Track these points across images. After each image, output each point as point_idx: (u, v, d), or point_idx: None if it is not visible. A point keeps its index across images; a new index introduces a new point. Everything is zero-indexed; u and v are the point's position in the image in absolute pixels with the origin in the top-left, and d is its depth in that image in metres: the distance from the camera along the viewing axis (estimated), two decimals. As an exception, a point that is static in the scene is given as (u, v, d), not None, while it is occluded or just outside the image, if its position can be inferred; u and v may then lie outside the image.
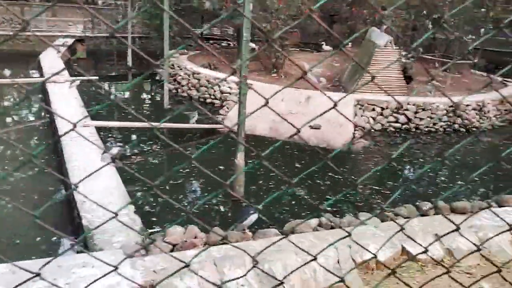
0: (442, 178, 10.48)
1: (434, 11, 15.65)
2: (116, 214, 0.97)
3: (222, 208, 8.17)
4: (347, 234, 1.30)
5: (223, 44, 22.76)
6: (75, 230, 6.90)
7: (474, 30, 18.64)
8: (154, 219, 7.41)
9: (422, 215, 6.11)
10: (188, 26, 1.07)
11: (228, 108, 13.61)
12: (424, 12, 15.97)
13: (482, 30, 24.25)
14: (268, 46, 15.53)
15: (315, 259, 1.23)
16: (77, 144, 8.88)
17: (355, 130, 12.41)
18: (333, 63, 17.98)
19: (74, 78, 14.60)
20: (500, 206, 6.32)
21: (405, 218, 5.93)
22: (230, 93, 14.33)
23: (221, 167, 10.05)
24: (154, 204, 8.01)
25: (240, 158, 8.08)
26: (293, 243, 1.26)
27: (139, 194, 8.57)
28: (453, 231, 1.45)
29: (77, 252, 6.35)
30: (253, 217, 5.80)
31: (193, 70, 15.91)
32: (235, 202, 8.41)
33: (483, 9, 17.18)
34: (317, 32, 22.58)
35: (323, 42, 20.39)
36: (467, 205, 6.12)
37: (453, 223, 1.45)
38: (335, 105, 1.15)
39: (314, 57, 18.73)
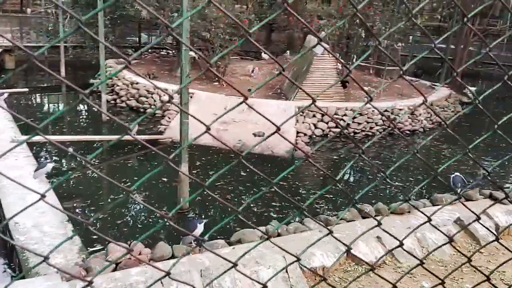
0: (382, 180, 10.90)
1: (366, 20, 16.37)
2: (47, 258, 0.88)
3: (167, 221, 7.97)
4: (296, 259, 1.28)
5: (162, 53, 22.40)
6: (9, 253, 6.44)
7: (404, 37, 19.71)
8: (95, 236, 7.08)
9: (364, 218, 6.31)
10: (116, 50, 1.01)
11: (170, 118, 13.38)
12: (357, 21, 16.66)
13: (411, 37, 25.76)
14: (208, 55, 15.49)
15: (265, 287, 1.21)
16: (8, 161, 8.31)
17: (297, 137, 12.65)
18: (273, 71, 18.26)
19: (2, 90, 13.70)
20: (434, 205, 6.67)
21: (348, 221, 6.10)
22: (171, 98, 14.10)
23: (164, 178, 9.83)
24: (95, 221, 7.66)
25: (184, 170, 7.93)
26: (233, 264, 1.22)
27: (77, 210, 8.17)
28: (397, 246, 1.48)
29: (12, 278, 5.93)
30: (200, 229, 5.71)
31: (132, 80, 15.50)
32: (181, 214, 8.25)
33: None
34: (257, 40, 22.88)
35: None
36: (405, 206, 6.39)
37: (397, 239, 1.48)
38: (278, 129, 1.14)
39: (254, 64, 18.92)
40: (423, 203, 6.74)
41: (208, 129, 1.01)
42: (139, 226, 7.90)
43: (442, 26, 34.81)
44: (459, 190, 6.81)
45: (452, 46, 20.15)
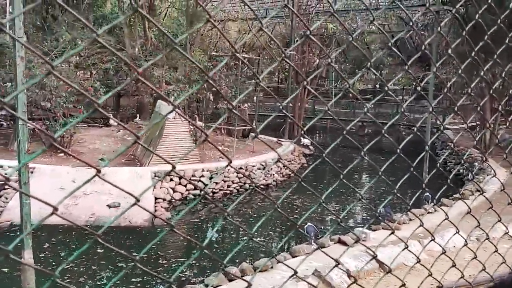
0: (245, 238, 11.12)
1: (213, 85, 17.22)
2: None
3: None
4: None
5: (-6, 125, 20.02)
6: None
7: (249, 98, 21.22)
8: None
9: (230, 280, 6.31)
10: None
11: (7, 198, 11.80)
12: (205, 86, 17.46)
13: (255, 98, 27.94)
14: (49, 124, 14.38)
15: None
16: None
17: (156, 204, 12.29)
18: (125, 137, 17.75)
19: None
20: (293, 256, 7.03)
21: (215, 287, 6.02)
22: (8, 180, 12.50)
23: (5, 269, 8.50)
24: None
25: (27, 257, 6.96)
26: None
27: None
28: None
29: None
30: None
31: (-45, 158, 13.42)
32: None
33: (252, 80, 19.88)
34: (105, 105, 22.13)
35: (110, 115, 20.09)
36: (268, 262, 6.60)
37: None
38: (137, 200, 1.07)
39: (103, 132, 18.16)
40: (284, 256, 7.04)
41: (55, 209, 0.88)
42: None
43: (280, 87, 38.76)
44: (313, 240, 7.33)
45: (290, 105, 22.35)
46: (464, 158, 15.42)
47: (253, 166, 15.14)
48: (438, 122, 24.45)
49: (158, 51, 19.46)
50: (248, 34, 27.66)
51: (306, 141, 21.39)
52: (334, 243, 7.51)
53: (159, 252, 9.85)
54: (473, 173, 13.41)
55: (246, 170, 14.96)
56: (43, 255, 9.04)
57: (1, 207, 11.45)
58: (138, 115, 19.11)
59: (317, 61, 19.62)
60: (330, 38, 21.87)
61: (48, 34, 17.85)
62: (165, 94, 16.79)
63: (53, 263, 8.86)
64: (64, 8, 16.63)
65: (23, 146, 6.55)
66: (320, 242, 7.39)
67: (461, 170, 16.30)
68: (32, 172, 12.73)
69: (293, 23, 20.22)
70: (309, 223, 7.46)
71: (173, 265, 9.06)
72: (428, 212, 9.24)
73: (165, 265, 9.06)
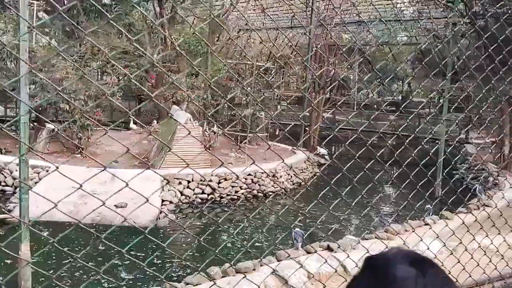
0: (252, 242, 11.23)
1: (229, 91, 17.54)
2: None
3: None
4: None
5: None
6: None
7: (265, 107, 21.36)
8: None
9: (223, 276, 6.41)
10: None
11: (21, 195, 12.34)
12: (219, 92, 17.71)
13: (279, 106, 28.21)
14: (68, 126, 14.99)
15: None
16: None
17: (162, 206, 12.56)
18: (142, 141, 18.22)
19: None
20: (278, 260, 7.09)
21: (195, 286, 6.14)
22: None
23: (8, 260, 8.93)
24: None
25: (24, 249, 7.31)
26: None
27: None
28: None
29: None
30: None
31: (-22, 156, 14.16)
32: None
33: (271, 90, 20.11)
34: (127, 110, 22.77)
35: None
36: (250, 264, 6.70)
37: None
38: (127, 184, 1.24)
39: (122, 135, 18.68)
40: (269, 260, 7.12)
41: (55, 205, 1.05)
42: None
43: (304, 96, 38.74)
44: (299, 245, 7.37)
45: (307, 114, 22.36)
46: (475, 170, 15.03)
47: (262, 173, 15.24)
48: (461, 136, 23.90)
49: (178, 58, 19.93)
50: (270, 44, 27.90)
51: (322, 150, 21.32)
52: (323, 250, 7.54)
53: (157, 253, 10.08)
54: (485, 187, 13.05)
55: (255, 177, 15.07)
56: (46, 249, 9.42)
57: (15, 203, 11.97)
58: (156, 119, 19.60)
59: (333, 71, 19.62)
60: (350, 48, 21.80)
61: (74, 40, 18.62)
62: (179, 100, 17.20)
63: (54, 257, 9.22)
64: (88, 15, 17.32)
65: (24, 144, 6.93)
66: (307, 247, 7.44)
67: (475, 185, 15.88)
68: (47, 171, 13.30)
69: (310, 33, 20.32)
70: (297, 229, 7.51)
71: (167, 265, 9.26)
72: (425, 224, 9.10)
73: (159, 265, 9.28)
